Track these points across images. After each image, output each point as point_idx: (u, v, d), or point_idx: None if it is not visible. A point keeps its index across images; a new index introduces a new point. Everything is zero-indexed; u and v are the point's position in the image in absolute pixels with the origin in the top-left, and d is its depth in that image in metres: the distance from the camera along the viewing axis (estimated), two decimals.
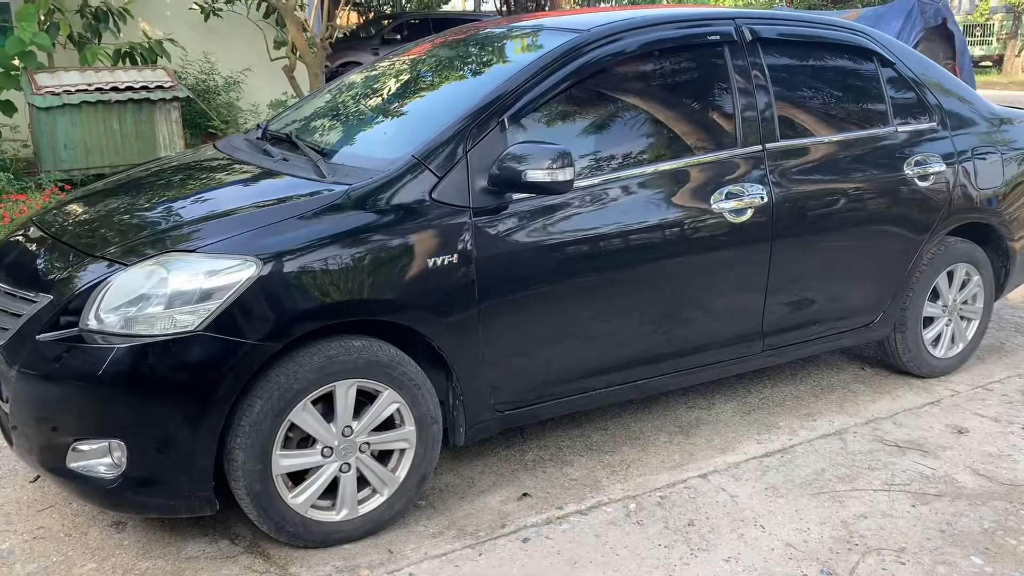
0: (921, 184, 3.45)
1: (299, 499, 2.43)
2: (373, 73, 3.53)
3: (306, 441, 2.43)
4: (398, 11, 20.56)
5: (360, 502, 2.53)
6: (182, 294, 2.23)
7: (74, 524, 2.63)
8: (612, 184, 2.80)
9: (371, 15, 21.45)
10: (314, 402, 2.40)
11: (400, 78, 3.37)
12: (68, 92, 6.30)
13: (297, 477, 2.45)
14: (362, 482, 2.53)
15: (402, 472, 2.57)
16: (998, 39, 24.53)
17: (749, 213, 3.01)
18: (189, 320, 2.22)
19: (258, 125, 3.40)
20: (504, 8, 20.01)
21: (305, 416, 2.37)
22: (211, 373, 2.23)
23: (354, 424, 2.46)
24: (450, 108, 2.76)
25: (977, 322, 3.86)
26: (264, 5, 9.14)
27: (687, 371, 3.12)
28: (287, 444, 2.40)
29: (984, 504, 2.81)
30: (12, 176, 6.22)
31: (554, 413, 2.93)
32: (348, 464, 2.47)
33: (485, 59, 3.24)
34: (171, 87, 6.67)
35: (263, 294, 2.26)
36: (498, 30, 3.43)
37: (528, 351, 2.73)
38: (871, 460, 3.08)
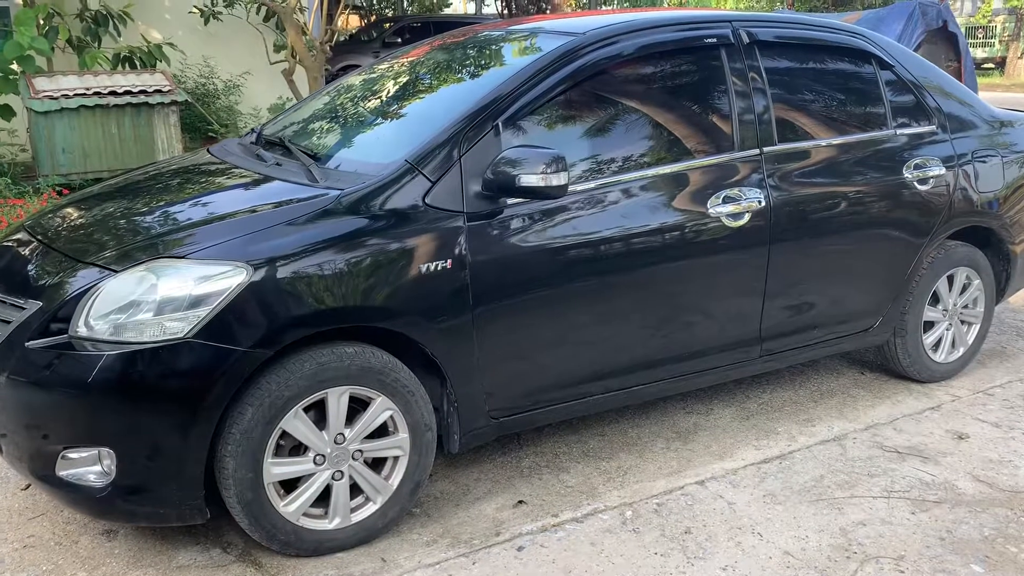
0: (921, 188, 3.42)
1: (291, 507, 2.40)
2: (369, 76, 3.51)
3: (298, 449, 2.41)
4: (399, 14, 20.59)
5: (353, 510, 2.50)
6: (172, 301, 2.21)
7: (65, 532, 2.61)
8: (608, 188, 2.78)
9: (372, 18, 21.48)
10: (306, 409, 2.37)
11: (395, 81, 3.35)
12: (66, 96, 6.29)
13: (289, 485, 2.42)
14: (355, 490, 2.50)
15: (395, 480, 2.54)
16: (1000, 41, 24.50)
17: (747, 217, 2.99)
18: (179, 327, 2.19)
19: (253, 129, 3.38)
20: (505, 11, 20.03)
21: (297, 423, 2.35)
22: (201, 380, 2.21)
23: (347, 431, 2.44)
24: (444, 112, 2.74)
25: (978, 326, 3.83)
26: (264, 9, 9.14)
27: (684, 377, 3.09)
28: (279, 452, 2.37)
29: (984, 511, 2.78)
30: (10, 181, 6.21)
31: (550, 419, 2.90)
32: (341, 472, 2.45)
33: (480, 62, 3.22)
34: (169, 91, 6.66)
35: (253, 300, 2.24)
36: (494, 33, 3.41)
37: (523, 357, 2.70)
38: (870, 466, 3.05)
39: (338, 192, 2.47)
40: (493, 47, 3.30)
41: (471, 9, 26.46)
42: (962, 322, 3.80)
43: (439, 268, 2.48)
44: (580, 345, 2.80)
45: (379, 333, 2.47)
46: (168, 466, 2.26)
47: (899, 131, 3.45)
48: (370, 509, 2.53)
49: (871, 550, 2.56)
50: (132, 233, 2.49)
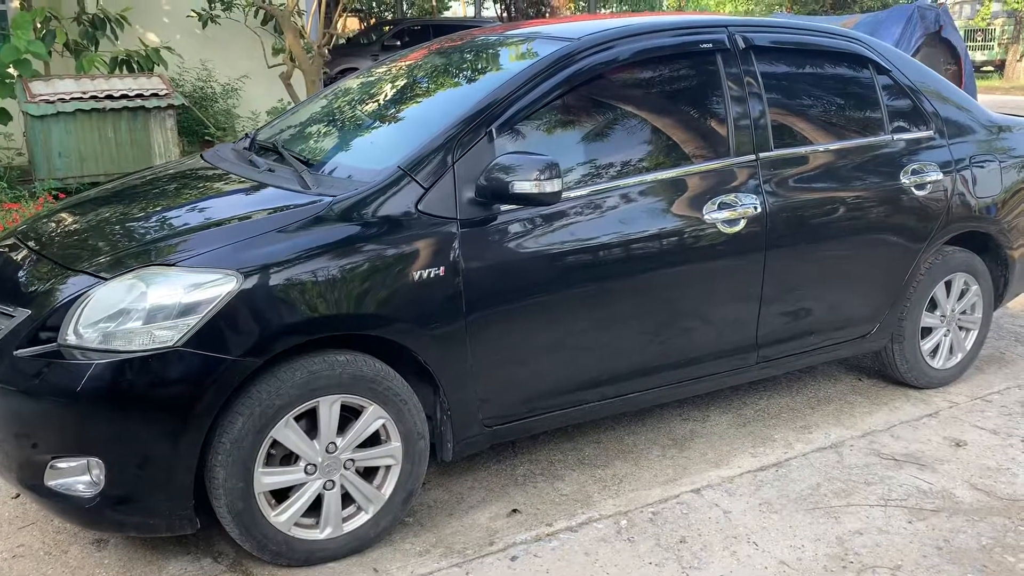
0: (918, 193, 3.40)
1: (282, 517, 2.38)
2: (364, 81, 3.49)
3: (289, 458, 2.39)
4: (398, 17, 20.60)
5: (345, 520, 2.48)
6: (161, 309, 2.19)
7: (55, 542, 2.59)
8: (602, 194, 2.76)
9: (372, 21, 21.49)
10: (297, 418, 2.35)
11: (390, 86, 3.33)
12: (63, 100, 6.28)
13: (280, 494, 2.40)
14: (347, 499, 2.48)
15: (388, 489, 2.52)
16: (999, 44, 24.51)
17: (742, 223, 2.97)
18: (168, 335, 2.17)
19: (246, 134, 3.36)
20: (504, 15, 20.03)
21: (288, 433, 2.33)
22: (190, 389, 2.19)
23: (338, 440, 2.41)
24: (438, 117, 2.72)
25: (976, 332, 3.81)
26: (262, 12, 9.13)
27: (680, 383, 3.07)
28: (269, 461, 2.35)
29: (982, 520, 2.75)
30: (6, 185, 6.20)
31: (544, 427, 2.88)
32: (332, 481, 2.43)
33: (475, 67, 3.20)
34: (166, 95, 6.65)
35: (244, 309, 2.22)
36: (490, 38, 3.39)
37: (517, 364, 2.68)
38: (867, 474, 3.03)
39: (330, 199, 2.45)
40: (488, 52, 3.29)
41: (471, 12, 26.48)
42: (960, 328, 3.78)
43: (432, 275, 2.46)
44: (575, 352, 2.78)
45: (371, 341, 2.45)
46: (157, 476, 2.23)
47: (896, 136, 3.43)
48: (362, 519, 2.51)
49: (867, 560, 2.54)
50: (122, 240, 2.47)
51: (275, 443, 2.33)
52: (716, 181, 2.97)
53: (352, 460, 2.45)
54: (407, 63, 3.47)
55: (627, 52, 2.95)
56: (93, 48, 7.90)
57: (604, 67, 2.89)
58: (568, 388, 2.82)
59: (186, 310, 2.19)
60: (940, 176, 3.46)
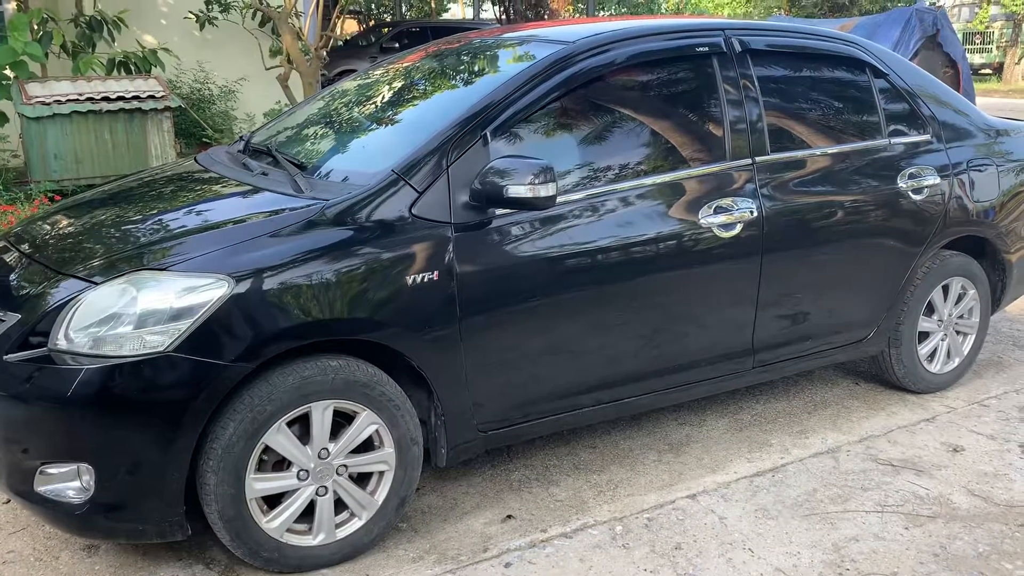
0: (915, 197, 3.39)
1: (274, 523, 2.36)
2: (359, 83, 3.48)
3: (281, 464, 2.37)
4: (397, 19, 20.59)
5: (338, 526, 2.46)
6: (152, 313, 2.17)
7: (46, 548, 2.57)
8: (598, 198, 2.75)
9: (371, 23, 21.49)
10: (289, 423, 2.34)
11: (385, 89, 3.31)
12: (59, 102, 6.26)
13: (272, 500, 2.38)
14: (340, 505, 2.46)
15: (381, 495, 2.51)
16: (998, 47, 24.54)
17: (739, 228, 2.95)
18: (159, 340, 2.16)
19: (241, 137, 3.35)
20: (503, 17, 20.02)
21: (279, 438, 2.31)
22: (181, 395, 2.17)
23: (331, 446, 2.40)
24: (433, 121, 2.71)
25: (973, 336, 3.80)
26: (259, 14, 9.11)
27: (676, 388, 3.06)
28: (261, 467, 2.34)
29: (979, 526, 2.74)
30: (2, 187, 6.17)
31: (539, 432, 2.87)
32: (325, 487, 2.41)
33: (470, 71, 3.19)
34: (163, 97, 6.62)
35: (235, 313, 2.20)
36: (486, 40, 3.37)
37: (512, 369, 2.67)
38: (864, 480, 3.01)
39: (323, 203, 2.44)
40: (484, 55, 3.27)
41: (470, 14, 26.48)
42: (957, 332, 3.77)
43: (426, 280, 2.45)
44: (570, 357, 2.76)
45: (365, 345, 2.44)
46: (148, 482, 2.22)
47: (893, 140, 3.42)
48: (355, 525, 2.49)
49: (864, 566, 2.52)
50: (113, 244, 2.45)
51: (267, 449, 2.31)
52: (712, 185, 2.95)
53: (345, 466, 2.43)
54: (403, 65, 3.46)
55: (623, 55, 2.93)
56: (90, 50, 7.87)
57: (600, 70, 2.87)
58: (563, 393, 2.80)
59: (177, 315, 2.17)
60: (937, 180, 3.45)
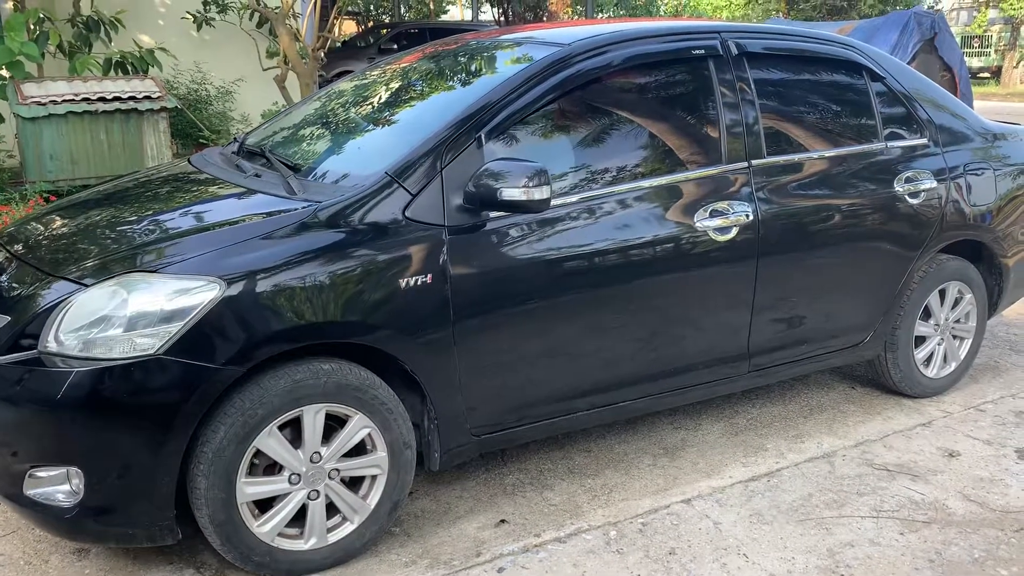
0: (912, 201, 3.38)
1: (265, 527, 2.35)
2: (354, 85, 3.47)
3: (273, 467, 2.35)
4: (396, 20, 20.58)
5: (329, 530, 2.45)
6: (143, 316, 2.16)
7: (35, 551, 2.55)
8: (592, 201, 2.73)
9: (369, 24, 21.48)
10: (281, 427, 2.32)
11: (380, 90, 3.30)
12: (54, 102, 6.22)
13: (263, 504, 2.37)
14: (331, 509, 2.45)
15: (373, 499, 2.49)
16: (996, 50, 24.57)
17: (734, 231, 2.94)
18: (149, 343, 2.14)
19: (235, 138, 3.33)
20: (502, 18, 20.03)
21: (271, 442, 2.29)
22: (171, 398, 2.15)
23: (323, 450, 2.38)
24: (427, 123, 2.69)
25: (970, 341, 3.79)
26: (257, 15, 9.10)
27: (671, 392, 3.04)
28: (253, 470, 2.32)
29: (975, 532, 2.73)
30: None
31: (533, 436, 2.85)
32: (317, 491, 2.39)
33: (466, 72, 3.17)
34: (159, 97, 6.60)
35: (226, 316, 2.19)
36: (482, 42, 3.36)
37: (506, 372, 2.65)
38: (860, 485, 3.00)
39: (316, 205, 2.42)
40: (479, 56, 3.26)
41: (468, 15, 26.48)
42: (954, 337, 3.76)
43: (419, 283, 2.43)
44: (564, 360, 2.75)
45: (357, 349, 2.42)
46: (138, 486, 2.20)
47: (890, 144, 3.41)
48: (347, 529, 2.47)
49: (859, 572, 2.51)
50: (104, 246, 2.43)
51: (258, 452, 2.30)
52: (708, 188, 2.94)
53: (337, 470, 2.42)
54: (399, 67, 3.45)
55: (619, 58, 2.92)
56: (87, 50, 7.85)
57: (596, 73, 2.86)
58: (558, 397, 2.79)
59: (168, 317, 2.16)
60: (934, 184, 3.44)
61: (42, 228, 2.72)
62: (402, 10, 23.72)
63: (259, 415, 2.25)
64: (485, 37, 3.43)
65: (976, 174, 3.61)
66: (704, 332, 3.02)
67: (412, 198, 2.48)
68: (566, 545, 2.62)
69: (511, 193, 2.42)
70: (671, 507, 2.84)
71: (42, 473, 2.22)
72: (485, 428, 2.67)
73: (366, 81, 3.43)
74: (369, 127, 3.05)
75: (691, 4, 28.35)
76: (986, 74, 24.37)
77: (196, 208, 2.69)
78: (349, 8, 17.97)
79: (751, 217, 2.97)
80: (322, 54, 8.98)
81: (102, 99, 6.38)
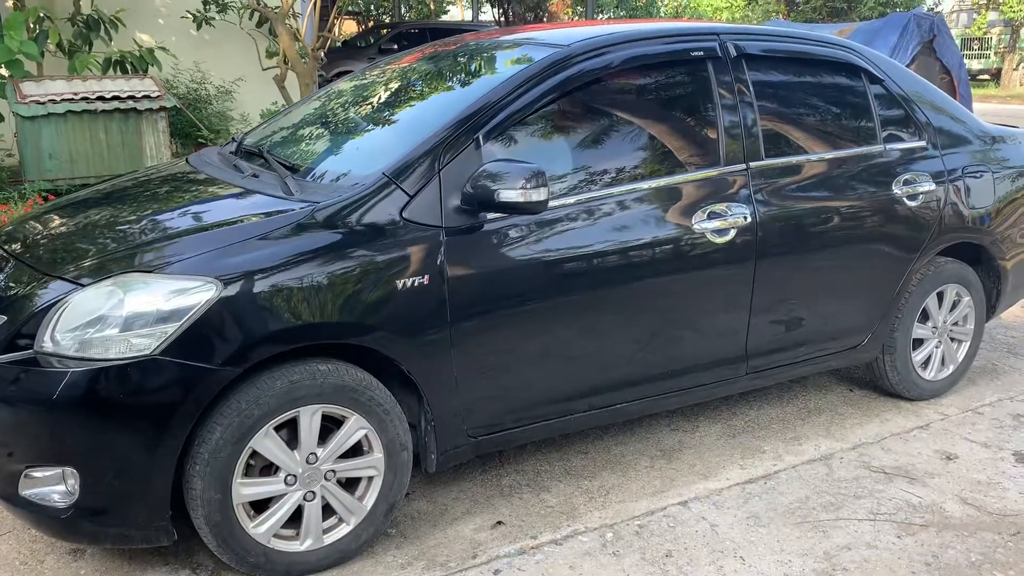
0: (910, 203, 3.38)
1: (261, 529, 2.34)
2: (353, 85, 3.46)
3: (269, 468, 2.35)
4: (396, 20, 20.57)
5: (325, 531, 2.44)
6: (139, 316, 2.15)
7: (31, 551, 2.55)
8: (590, 203, 2.73)
9: (370, 24, 21.47)
10: (278, 428, 2.32)
11: (378, 91, 3.30)
12: (53, 101, 6.23)
13: (259, 505, 2.36)
14: (328, 511, 2.44)
15: (370, 500, 2.49)
16: (996, 53, 24.57)
17: (732, 233, 2.94)
18: (145, 343, 2.14)
19: (233, 138, 3.33)
20: (502, 19, 20.03)
21: (267, 443, 2.29)
22: (168, 398, 2.15)
23: (319, 451, 2.38)
24: (425, 124, 2.69)
25: (968, 344, 3.79)
26: (257, 15, 9.10)
27: (668, 394, 3.04)
28: (249, 471, 2.31)
29: (972, 535, 2.72)
30: None
31: (530, 438, 2.85)
32: (313, 492, 2.39)
33: (465, 73, 3.17)
34: (158, 96, 6.60)
35: (223, 317, 2.18)
36: (482, 43, 3.36)
37: (503, 374, 2.65)
38: (857, 487, 3.00)
39: (313, 205, 2.42)
40: (478, 57, 3.25)
41: (469, 16, 26.48)
42: (952, 339, 3.75)
43: (416, 284, 2.43)
44: (562, 362, 2.74)
45: (354, 350, 2.42)
46: (133, 486, 2.19)
47: (888, 146, 3.41)
48: (343, 530, 2.47)
49: (856, 575, 2.50)
50: (101, 246, 2.43)
51: (254, 453, 2.29)
52: (706, 190, 2.94)
53: (333, 471, 2.41)
54: (398, 67, 3.44)
55: (618, 59, 2.92)
56: (87, 49, 7.85)
57: (594, 74, 2.86)
58: (555, 398, 2.79)
59: (164, 318, 2.15)
60: (932, 186, 3.44)
61: (39, 227, 2.72)
62: (402, 10, 23.72)
63: (255, 416, 2.24)
64: (484, 38, 3.43)
65: (975, 177, 3.61)
66: (702, 334, 3.02)
67: (410, 199, 2.47)
68: (562, 547, 2.61)
69: (509, 194, 2.42)
70: (668, 509, 2.83)
71: (38, 473, 2.22)
72: (482, 430, 2.67)
73: (365, 81, 3.43)
74: (367, 127, 3.04)
75: (691, 5, 28.36)
76: (986, 76, 24.37)
77: (193, 208, 2.69)
78: (349, 8, 17.99)
79: (749, 219, 2.97)
80: (322, 54, 8.98)
81: (101, 98, 6.38)
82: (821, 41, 3.42)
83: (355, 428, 2.41)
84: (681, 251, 2.86)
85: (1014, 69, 23.42)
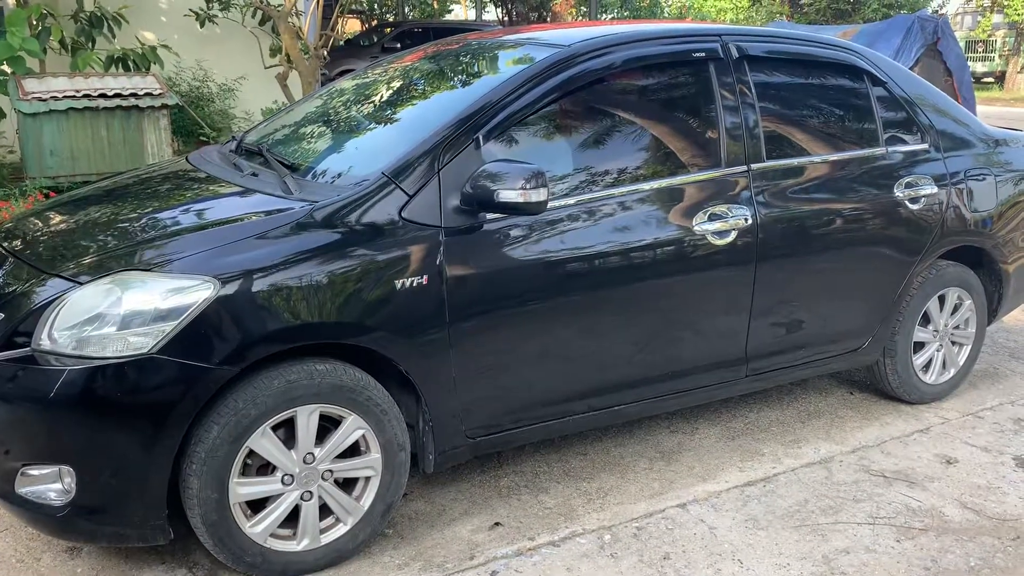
0: (912, 206, 3.37)
1: (258, 528, 2.34)
2: (354, 84, 3.46)
3: (266, 468, 2.34)
4: (400, 19, 20.56)
5: (322, 531, 2.44)
6: (137, 314, 2.15)
7: (28, 549, 2.54)
8: (590, 204, 2.72)
9: (373, 23, 21.46)
10: (275, 428, 2.31)
11: (380, 90, 3.29)
12: (55, 98, 6.23)
13: (256, 504, 2.36)
14: (325, 511, 2.44)
15: (367, 501, 2.48)
16: (1000, 55, 24.52)
17: (733, 235, 2.93)
18: (143, 342, 2.13)
19: (233, 136, 3.32)
20: (505, 19, 20.02)
21: (264, 443, 2.28)
22: (165, 397, 2.14)
23: (316, 451, 2.37)
24: (425, 123, 2.68)
25: (969, 347, 3.78)
26: (260, 13, 9.10)
27: (668, 396, 3.03)
28: (246, 471, 2.31)
29: (971, 540, 2.71)
30: None
31: (528, 439, 2.84)
32: (310, 492, 2.38)
33: (466, 73, 3.17)
34: (160, 94, 6.60)
35: (221, 316, 2.18)
36: (483, 43, 3.35)
37: (501, 375, 2.64)
38: (856, 491, 2.99)
39: (312, 205, 2.41)
40: (479, 57, 3.25)
41: (472, 16, 26.47)
42: (953, 343, 3.74)
43: (415, 284, 2.42)
44: (561, 363, 2.73)
45: (352, 350, 2.41)
46: (130, 485, 2.19)
47: (890, 149, 3.40)
48: (340, 530, 2.46)
49: None
50: (99, 244, 2.43)
51: (251, 453, 2.29)
52: (707, 192, 2.93)
53: (330, 471, 2.41)
54: (399, 66, 3.44)
55: (619, 60, 2.91)
56: (90, 46, 7.86)
57: (595, 74, 2.85)
58: (554, 399, 2.78)
59: (162, 316, 2.15)
60: (935, 189, 3.43)
61: (38, 225, 2.72)
62: (406, 9, 23.71)
63: (252, 415, 2.24)
64: (486, 37, 3.42)
65: (977, 180, 3.60)
66: (701, 336, 3.01)
67: (409, 199, 2.47)
68: (560, 549, 2.61)
69: (508, 195, 2.41)
70: (666, 511, 2.82)
71: (34, 471, 2.21)
72: (480, 430, 2.66)
73: (366, 80, 3.42)
74: (367, 126, 3.04)
75: (695, 6, 28.33)
76: (990, 79, 24.33)
77: (192, 207, 2.68)
78: (353, 7, 17.98)
79: (750, 221, 2.96)
80: (325, 52, 8.97)
81: (103, 96, 6.38)
82: (823, 43, 3.41)
83: (352, 428, 2.40)
84: (681, 252, 2.85)
85: (1018, 72, 23.37)
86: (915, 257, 3.42)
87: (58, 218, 2.73)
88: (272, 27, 9.23)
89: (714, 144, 2.99)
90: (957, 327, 3.72)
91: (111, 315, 2.15)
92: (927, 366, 3.68)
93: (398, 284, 2.40)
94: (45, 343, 2.16)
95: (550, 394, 2.75)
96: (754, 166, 3.03)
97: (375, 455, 2.46)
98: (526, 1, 19.61)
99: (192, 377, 2.15)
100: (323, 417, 2.37)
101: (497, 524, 2.73)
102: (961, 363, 3.77)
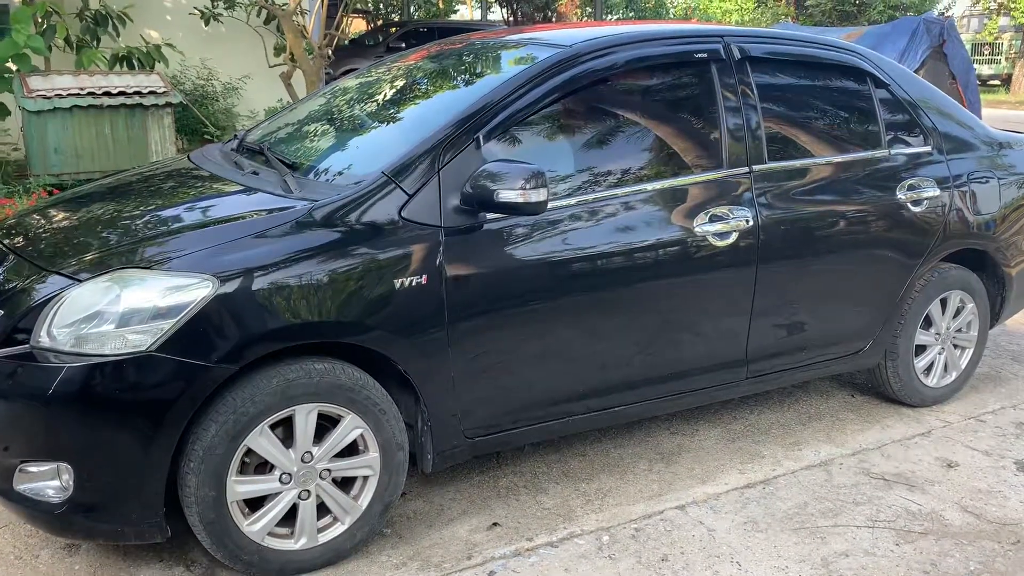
0: (914, 209, 3.36)
1: (255, 526, 2.34)
2: (356, 83, 3.46)
3: (264, 466, 2.34)
4: (405, 19, 20.59)
5: (320, 530, 2.44)
6: (136, 312, 2.15)
7: (26, 546, 2.55)
8: (591, 205, 2.72)
9: (379, 22, 21.49)
10: (273, 426, 2.31)
11: (382, 90, 3.29)
12: (60, 96, 6.24)
13: (254, 503, 2.36)
14: (322, 510, 2.44)
15: (365, 500, 2.48)
16: (1007, 58, 24.46)
17: (734, 236, 2.92)
18: (141, 339, 2.13)
19: (235, 135, 3.33)
20: (510, 18, 20.03)
21: (262, 441, 2.28)
22: (162, 395, 2.15)
23: (314, 450, 2.37)
24: (425, 123, 2.68)
25: (971, 351, 3.76)
26: (264, 11, 9.11)
27: (668, 397, 3.02)
28: (244, 469, 2.31)
29: (971, 544, 2.70)
30: (1, 180, 6.16)
31: (527, 440, 2.84)
32: (308, 491, 2.38)
33: (467, 72, 3.16)
34: (164, 92, 6.60)
35: (219, 314, 2.18)
36: (486, 42, 3.34)
37: (500, 375, 2.64)
38: (856, 494, 2.98)
39: (312, 204, 2.41)
40: (482, 56, 3.25)
41: (477, 16, 26.48)
42: (955, 346, 3.73)
43: (414, 283, 2.42)
44: (560, 364, 2.73)
45: (350, 349, 2.41)
46: (127, 483, 2.19)
47: (893, 151, 3.39)
48: (338, 529, 2.46)
49: None
50: (98, 241, 2.43)
51: (249, 451, 2.29)
52: (708, 193, 2.92)
53: (328, 470, 2.41)
54: (401, 65, 3.44)
55: (621, 60, 2.90)
56: (94, 44, 7.87)
57: (597, 75, 2.85)
58: (553, 400, 2.78)
59: (161, 314, 2.15)
60: (937, 192, 3.42)
61: (39, 222, 2.72)
62: (411, 9, 23.73)
63: (251, 414, 2.24)
64: (489, 37, 3.41)
65: (980, 183, 3.59)
66: (702, 337, 3.01)
67: (409, 198, 2.46)
68: (558, 549, 2.60)
69: (508, 195, 2.41)
70: (665, 513, 2.82)
71: (32, 468, 2.22)
72: (479, 430, 2.66)
73: (367, 79, 3.42)
74: (368, 125, 3.04)
75: (701, 7, 28.29)
76: (996, 82, 24.26)
77: (192, 205, 2.68)
78: (357, 6, 18.00)
79: (751, 222, 2.95)
80: (329, 51, 8.98)
81: (107, 94, 6.39)
82: (826, 45, 3.41)
83: (351, 427, 2.40)
84: (682, 254, 2.84)
85: None
86: (917, 260, 3.41)
87: (59, 215, 2.74)
88: (277, 26, 9.24)
89: (716, 145, 2.98)
90: (959, 330, 3.71)
91: (110, 313, 2.15)
92: (929, 369, 3.67)
93: (397, 283, 2.39)
94: (44, 340, 2.17)
95: (549, 395, 2.75)
96: (756, 167, 3.02)
97: (373, 454, 2.45)
98: (531, 1, 19.62)
99: (190, 375, 2.15)
100: (321, 416, 2.37)
101: (495, 524, 2.73)
102: (963, 366, 3.75)
